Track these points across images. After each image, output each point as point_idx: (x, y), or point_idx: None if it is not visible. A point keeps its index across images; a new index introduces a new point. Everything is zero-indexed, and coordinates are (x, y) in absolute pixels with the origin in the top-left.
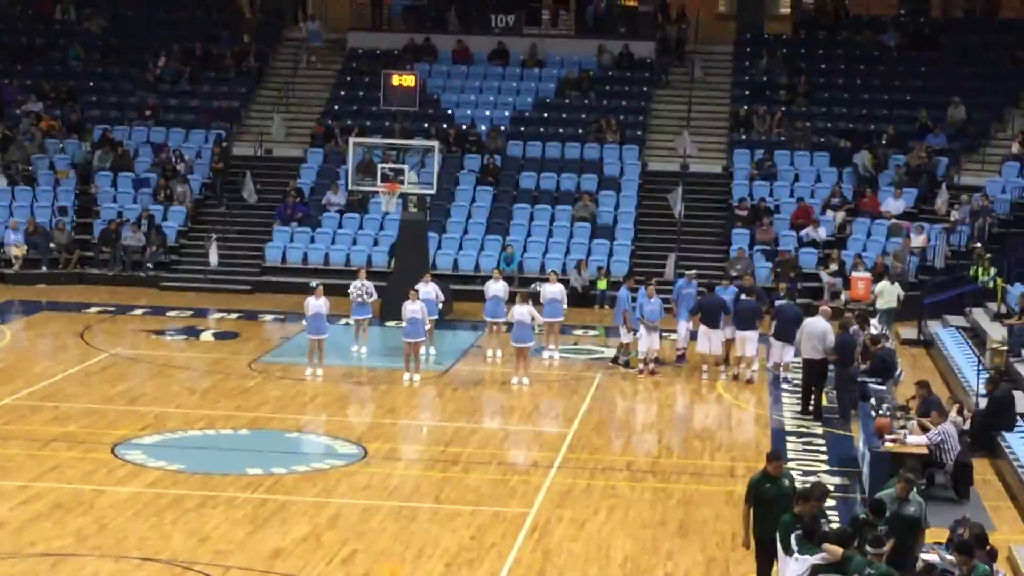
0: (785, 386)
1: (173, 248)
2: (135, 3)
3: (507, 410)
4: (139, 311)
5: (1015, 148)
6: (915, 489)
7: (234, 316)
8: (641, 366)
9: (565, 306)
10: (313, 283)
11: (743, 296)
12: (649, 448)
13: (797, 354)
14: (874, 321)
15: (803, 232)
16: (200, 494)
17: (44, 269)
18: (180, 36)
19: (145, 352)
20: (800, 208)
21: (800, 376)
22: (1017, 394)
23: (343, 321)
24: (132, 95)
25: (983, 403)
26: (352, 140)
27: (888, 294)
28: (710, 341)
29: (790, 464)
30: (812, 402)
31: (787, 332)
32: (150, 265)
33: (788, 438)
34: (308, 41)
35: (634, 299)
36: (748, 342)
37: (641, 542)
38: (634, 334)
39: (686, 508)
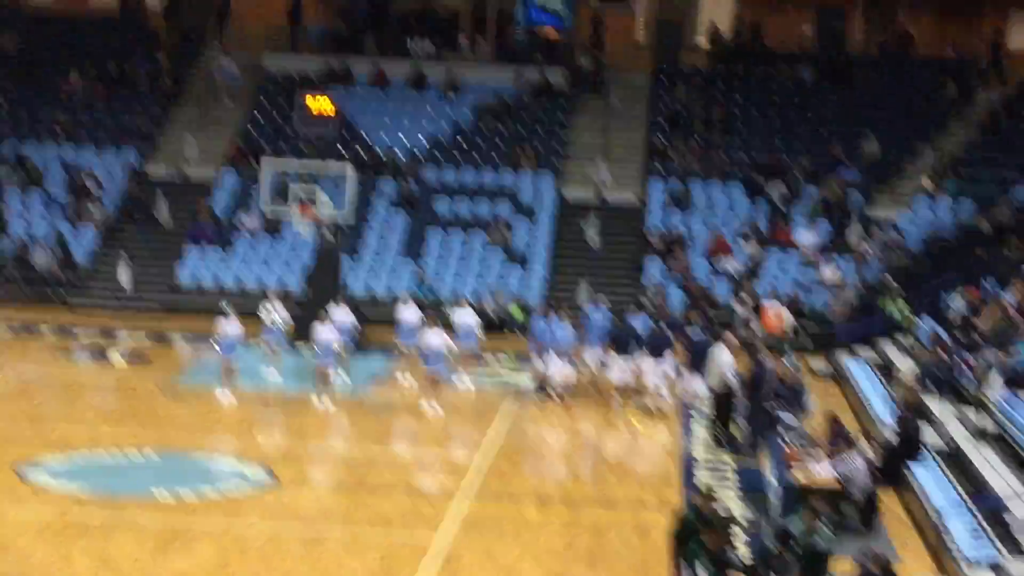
0: (695, 416)
1: (84, 269)
2: (49, 21)
3: (418, 435)
4: (47, 331)
5: (926, 183)
6: (822, 521)
7: (145, 338)
8: (553, 394)
9: (478, 333)
10: (225, 305)
11: (654, 325)
12: (559, 476)
13: (708, 384)
14: (786, 353)
15: (717, 263)
16: (105, 518)
17: None
18: (94, 55)
19: (53, 372)
20: (714, 239)
21: (710, 406)
22: (926, 427)
23: (255, 343)
24: (44, 113)
25: (892, 436)
26: (265, 160)
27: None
28: (621, 369)
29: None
30: (721, 432)
31: (698, 362)
32: (60, 284)
33: (698, 468)
34: (222, 78)
35: (547, 327)
36: (659, 371)
37: (550, 570)
38: (548, 362)
39: (595, 537)
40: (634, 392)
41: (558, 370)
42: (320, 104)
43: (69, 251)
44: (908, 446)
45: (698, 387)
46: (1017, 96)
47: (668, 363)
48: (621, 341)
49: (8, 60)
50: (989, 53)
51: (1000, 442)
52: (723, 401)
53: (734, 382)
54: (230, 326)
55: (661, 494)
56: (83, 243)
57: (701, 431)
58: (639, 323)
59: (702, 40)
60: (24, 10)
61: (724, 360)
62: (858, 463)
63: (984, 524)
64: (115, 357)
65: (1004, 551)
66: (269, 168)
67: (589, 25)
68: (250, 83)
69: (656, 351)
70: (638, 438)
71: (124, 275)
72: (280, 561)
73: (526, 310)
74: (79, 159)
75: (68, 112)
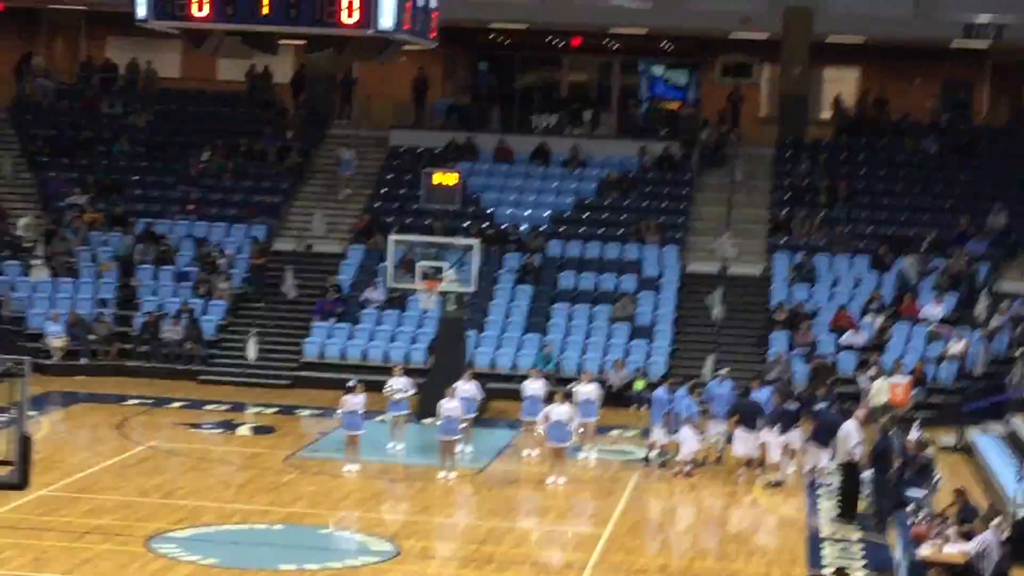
0: (821, 491)
1: (212, 342)
2: (179, 99)
3: (542, 510)
4: (177, 404)
5: None
6: None
7: (271, 411)
8: (678, 467)
9: (600, 406)
10: (351, 381)
11: (780, 399)
12: (684, 551)
13: (834, 459)
14: (914, 427)
15: (842, 336)
16: None
17: (84, 361)
18: (223, 131)
19: (182, 445)
20: (839, 312)
21: (837, 482)
22: None
23: (379, 418)
24: (175, 189)
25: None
26: (392, 237)
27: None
28: (746, 443)
29: (826, 571)
30: (848, 507)
31: (823, 437)
32: (189, 358)
33: (824, 543)
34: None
35: (670, 400)
36: (785, 445)
37: None
38: (674, 434)
39: None
40: (759, 466)
41: (683, 443)
42: (445, 179)
43: (198, 325)
44: None
45: (824, 462)
46: None
47: (794, 437)
48: (746, 414)
49: (139, 136)
50: None
51: None
52: (850, 476)
53: (861, 457)
54: (355, 400)
55: (787, 571)
56: (212, 317)
57: (827, 506)
58: (763, 396)
59: (827, 113)
60: (154, 86)
61: (851, 435)
62: (988, 540)
63: None
64: (242, 430)
65: None
66: (395, 243)
67: (713, 99)
68: (376, 158)
69: (781, 425)
70: (763, 513)
71: (251, 349)
72: None
73: (650, 383)
74: (208, 234)
75: (198, 188)
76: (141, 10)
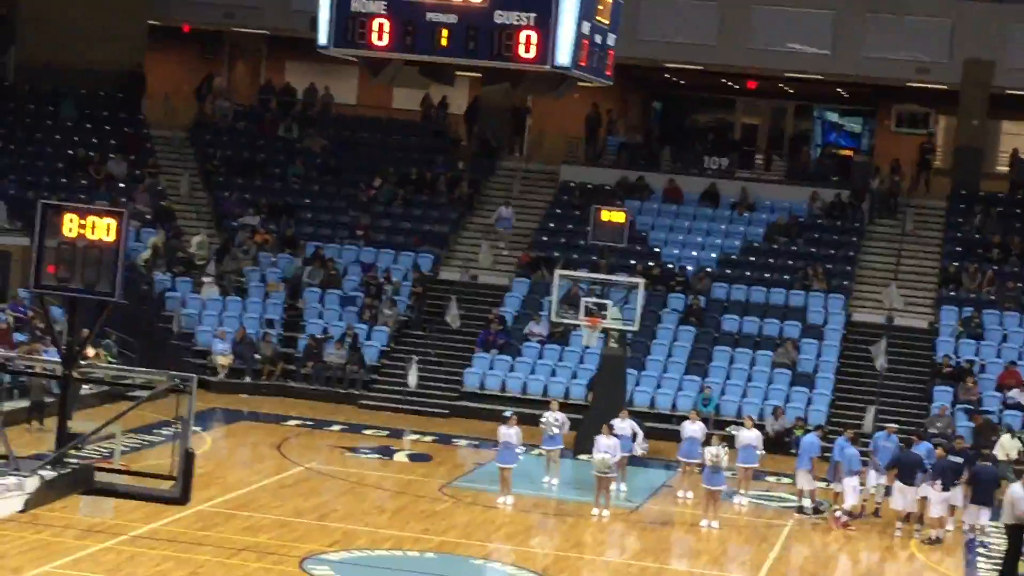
0: (981, 550)
1: (374, 367)
2: (354, 125)
3: (695, 552)
4: (336, 427)
5: None
6: None
7: (429, 439)
8: (841, 517)
9: (760, 451)
10: (507, 412)
11: (942, 453)
12: None
13: (994, 518)
14: None
15: (1009, 394)
16: None
17: (248, 379)
18: (396, 159)
19: (339, 468)
20: (1006, 369)
21: (997, 541)
22: None
23: (536, 451)
24: (345, 214)
25: None
26: (558, 272)
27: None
28: (905, 497)
29: None
30: (1011, 569)
31: (984, 494)
32: (350, 382)
33: None
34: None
35: (827, 447)
36: (944, 502)
37: None
38: (827, 483)
39: None
40: (918, 521)
41: (845, 493)
42: (614, 216)
43: (361, 350)
44: None
45: (984, 520)
46: None
47: (955, 494)
48: (906, 468)
49: (313, 160)
50: None
51: None
52: (1013, 535)
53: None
54: (511, 432)
55: None
56: (375, 343)
57: (986, 566)
58: (923, 451)
59: (1003, 167)
60: (331, 112)
61: (1018, 494)
62: None
63: None
64: (399, 456)
65: None
66: (560, 278)
67: (887, 147)
68: (546, 193)
69: (943, 480)
70: (920, 570)
71: (412, 376)
72: None
73: (808, 431)
74: (376, 260)
75: (368, 214)
76: (322, 37)
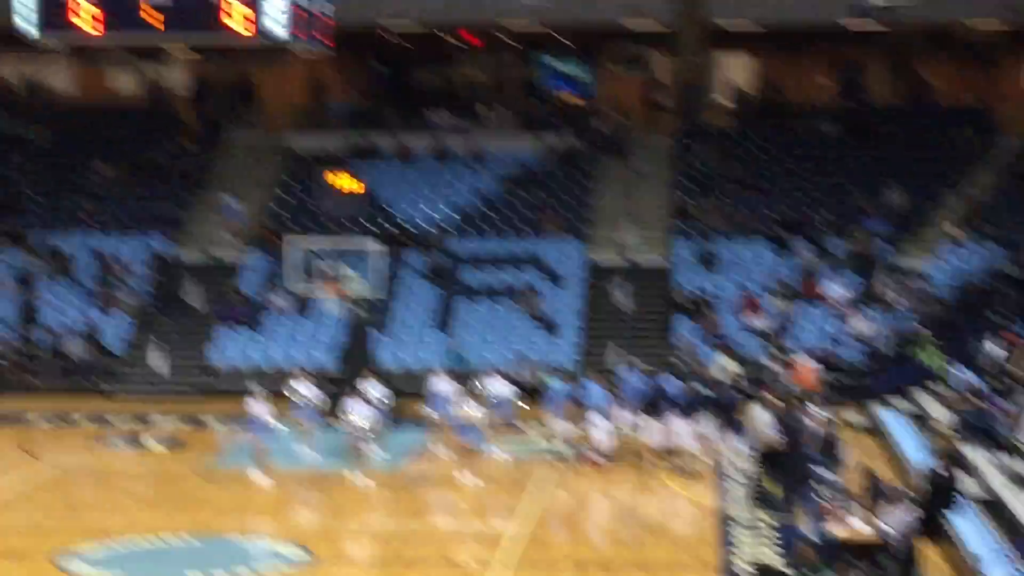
0: (732, 474)
1: (117, 356)
2: (76, 113)
3: (454, 508)
4: (84, 420)
5: (953, 230)
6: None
7: (180, 422)
8: (588, 457)
9: (512, 400)
10: (254, 387)
11: (688, 385)
12: (596, 541)
13: (744, 442)
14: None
15: (747, 321)
16: None
17: None
18: (121, 144)
19: (89, 461)
20: (743, 297)
21: (747, 465)
22: (964, 477)
23: (289, 423)
24: (73, 203)
25: (929, 486)
26: (294, 242)
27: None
28: (655, 431)
29: (737, 552)
30: (760, 490)
31: (732, 420)
32: (95, 373)
33: (736, 527)
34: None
35: (572, 391)
36: (693, 432)
37: None
38: (580, 425)
39: None
40: (669, 454)
41: (592, 433)
42: (344, 181)
43: (101, 339)
44: (945, 496)
45: (733, 446)
46: None
47: (702, 423)
48: (654, 402)
49: (37, 151)
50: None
51: None
52: (760, 459)
53: (772, 439)
54: (261, 406)
55: (699, 555)
56: (116, 330)
57: (738, 490)
58: (671, 384)
59: (723, 99)
60: (52, 101)
61: (762, 418)
62: (896, 515)
63: None
64: (150, 443)
65: None
66: (295, 247)
67: (611, 90)
68: (275, 162)
69: (690, 412)
70: (675, 500)
71: (156, 360)
72: None
73: (557, 376)
74: (108, 246)
75: (96, 200)
76: (31, 27)
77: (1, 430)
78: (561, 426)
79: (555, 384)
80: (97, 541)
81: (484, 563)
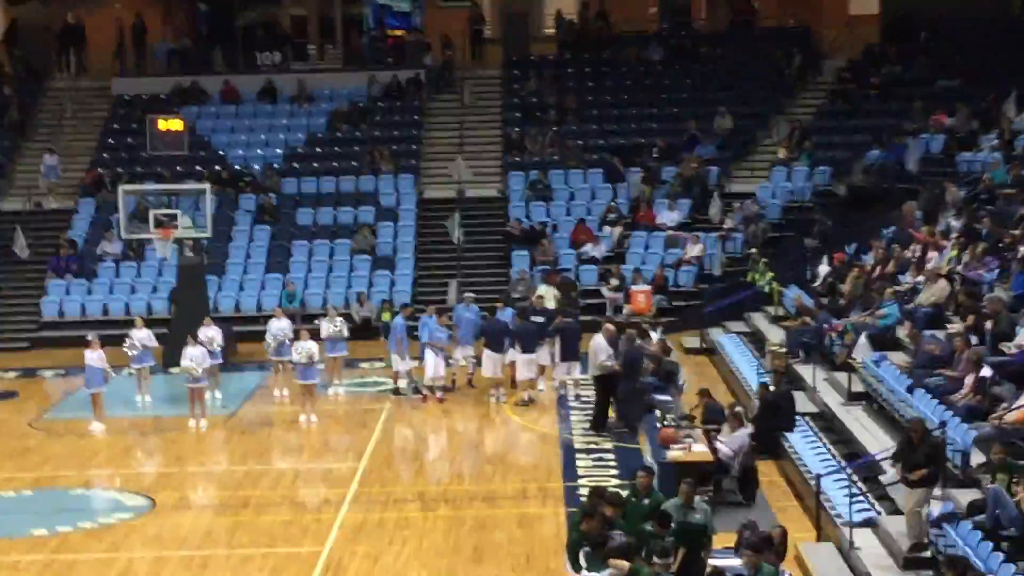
0: (573, 404)
1: None
2: None
3: (296, 449)
4: None
5: (781, 154)
6: (700, 497)
7: (12, 375)
8: (427, 392)
9: (348, 340)
10: (89, 336)
11: (524, 317)
12: (440, 476)
13: (584, 371)
14: (656, 333)
15: (582, 249)
16: None
17: None
18: None
19: None
20: (577, 226)
21: (588, 393)
22: (798, 394)
23: (125, 371)
24: None
25: (765, 407)
26: (122, 188)
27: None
28: (495, 364)
29: (580, 480)
30: (600, 418)
31: (571, 350)
32: None
33: (578, 455)
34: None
35: (413, 326)
36: (532, 363)
37: (436, 571)
38: (419, 361)
39: (480, 534)
40: (510, 386)
41: (432, 368)
42: (171, 124)
43: None
44: (782, 415)
45: (573, 375)
46: (862, 61)
47: (541, 354)
48: (492, 336)
49: None
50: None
51: (870, 403)
52: (600, 386)
53: (611, 366)
54: (96, 356)
55: (543, 485)
56: None
57: (579, 419)
58: (508, 316)
59: (549, 29)
60: None
61: (600, 346)
62: (734, 437)
63: (860, 485)
64: None
65: (880, 509)
66: (125, 193)
67: (437, 24)
68: (100, 109)
69: (528, 343)
70: (518, 431)
71: None
72: None
73: (396, 313)
74: None
75: None
76: None
77: None
78: (401, 363)
79: (397, 320)
80: None
81: (328, 502)
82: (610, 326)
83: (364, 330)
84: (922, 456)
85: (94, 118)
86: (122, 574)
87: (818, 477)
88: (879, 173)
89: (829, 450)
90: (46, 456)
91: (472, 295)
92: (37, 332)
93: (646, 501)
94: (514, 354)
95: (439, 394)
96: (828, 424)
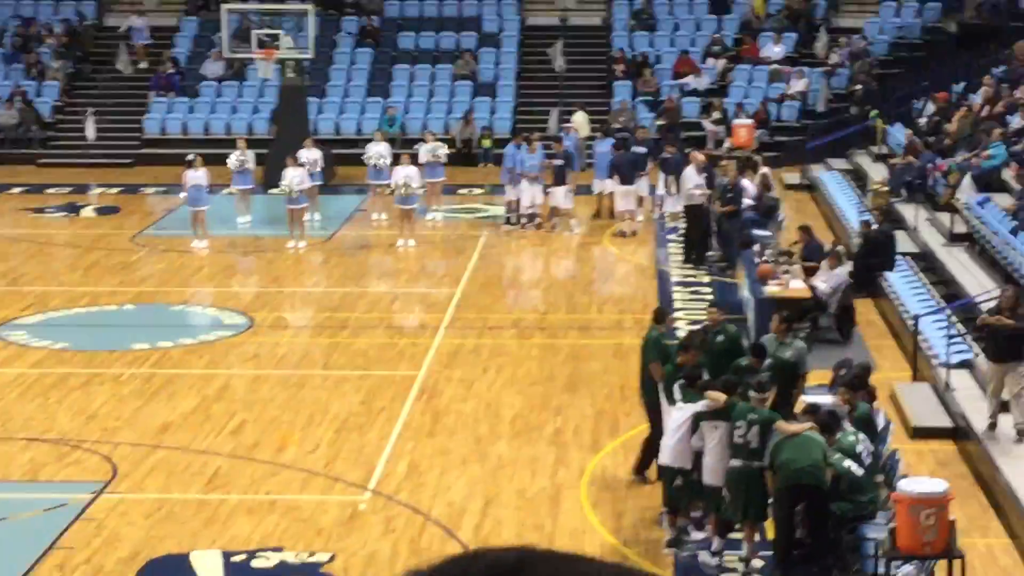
0: (671, 236)
1: (49, 124)
2: None
3: (393, 273)
4: (17, 190)
5: None
6: (795, 333)
7: (115, 190)
8: (525, 221)
9: (445, 165)
10: (190, 155)
11: (625, 148)
12: (536, 305)
13: (681, 202)
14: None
15: (684, 81)
16: (86, 372)
17: None
18: None
19: (25, 231)
20: (680, 57)
21: (684, 224)
22: (899, 234)
23: (225, 191)
24: None
25: (865, 245)
26: (225, 7)
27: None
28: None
29: (678, 313)
30: (696, 250)
31: (672, 182)
32: (27, 142)
33: (675, 287)
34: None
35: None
36: (630, 194)
37: (530, 399)
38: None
39: (574, 363)
40: (609, 215)
41: (528, 197)
42: None
43: (33, 107)
44: (882, 254)
45: (672, 207)
46: None
47: (641, 185)
48: (624, 169)
49: None
50: None
51: (972, 245)
52: (696, 219)
53: (704, 200)
54: (197, 174)
55: (639, 316)
56: (46, 98)
57: (676, 251)
58: (606, 147)
59: None
60: None
61: (690, 178)
62: (833, 274)
63: (958, 326)
64: (87, 212)
65: (978, 351)
66: (229, 12)
67: None
68: None
69: (628, 173)
70: (614, 262)
71: (90, 128)
72: (262, 405)
73: (495, 139)
74: (35, 13)
75: None
76: None
77: None
78: (509, 190)
79: (508, 149)
80: (38, 311)
81: (426, 328)
82: (699, 155)
83: (465, 156)
84: None
85: None
86: (221, 390)
87: (916, 317)
88: (991, 10)
89: (928, 290)
90: (148, 272)
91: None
92: (139, 149)
93: (720, 338)
94: (612, 184)
95: (538, 221)
96: (928, 264)
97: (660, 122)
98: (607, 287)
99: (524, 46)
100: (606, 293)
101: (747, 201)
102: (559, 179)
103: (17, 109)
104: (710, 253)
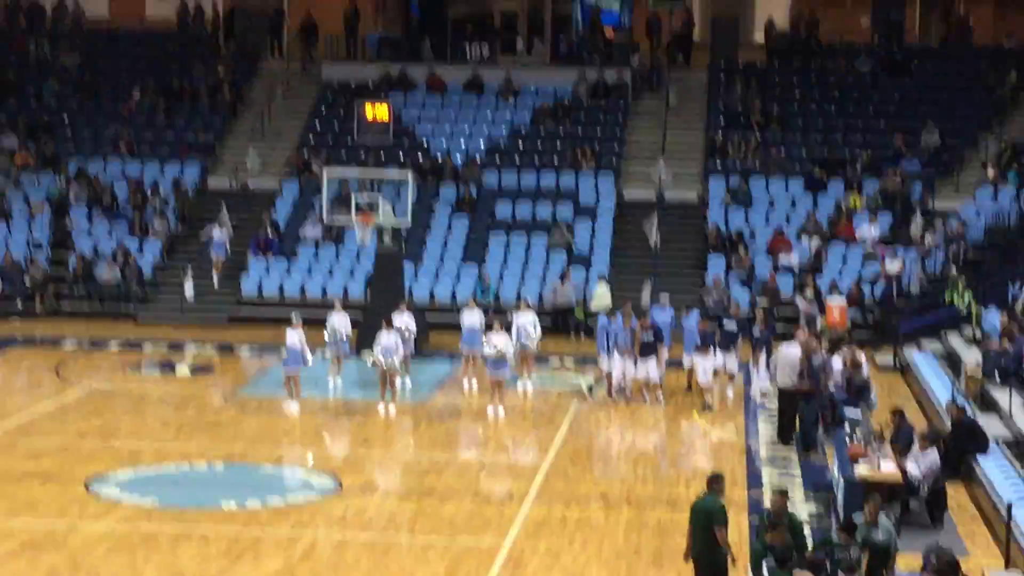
0: (760, 412)
1: (149, 282)
2: (108, 38)
3: (483, 441)
4: (115, 345)
5: (989, 173)
6: (885, 515)
7: (210, 349)
8: (616, 392)
9: (537, 335)
10: (292, 316)
11: (718, 322)
12: (624, 477)
13: (773, 380)
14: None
15: (778, 259)
16: (174, 530)
17: (18, 304)
18: (154, 70)
19: (121, 387)
20: (775, 235)
21: (775, 403)
22: (993, 419)
23: (319, 352)
24: (107, 129)
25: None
26: (326, 171)
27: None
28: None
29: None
30: (787, 429)
31: (762, 358)
32: (126, 298)
33: (763, 465)
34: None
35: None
36: (723, 368)
37: (616, 572)
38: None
39: (661, 537)
40: (699, 390)
41: (619, 369)
42: (378, 111)
43: (135, 264)
44: (973, 438)
45: (763, 383)
46: None
47: (732, 360)
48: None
49: (69, 77)
50: None
51: None
52: (789, 398)
53: (800, 378)
54: (294, 336)
55: (726, 493)
56: (148, 257)
57: (766, 428)
58: (690, 320)
59: (759, 35)
60: (83, 26)
61: (791, 356)
62: (925, 457)
63: None
64: (182, 370)
65: None
66: (329, 177)
67: (645, 23)
68: (309, 92)
69: (714, 346)
70: (702, 437)
71: (188, 287)
72: (347, 570)
73: (589, 312)
74: (142, 173)
75: (130, 127)
76: None
77: (34, 353)
78: (608, 363)
79: (601, 321)
80: (130, 467)
81: (513, 496)
82: (802, 335)
83: (556, 326)
84: None
85: (303, 101)
86: (306, 553)
87: (1009, 505)
88: None
89: (1021, 477)
90: (239, 431)
91: (666, 296)
92: (236, 308)
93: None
94: (703, 359)
95: (627, 394)
96: (1022, 451)
97: (764, 305)
98: (695, 461)
99: (619, 219)
100: (694, 467)
101: (835, 380)
102: (649, 352)
103: (119, 266)
104: (801, 432)
